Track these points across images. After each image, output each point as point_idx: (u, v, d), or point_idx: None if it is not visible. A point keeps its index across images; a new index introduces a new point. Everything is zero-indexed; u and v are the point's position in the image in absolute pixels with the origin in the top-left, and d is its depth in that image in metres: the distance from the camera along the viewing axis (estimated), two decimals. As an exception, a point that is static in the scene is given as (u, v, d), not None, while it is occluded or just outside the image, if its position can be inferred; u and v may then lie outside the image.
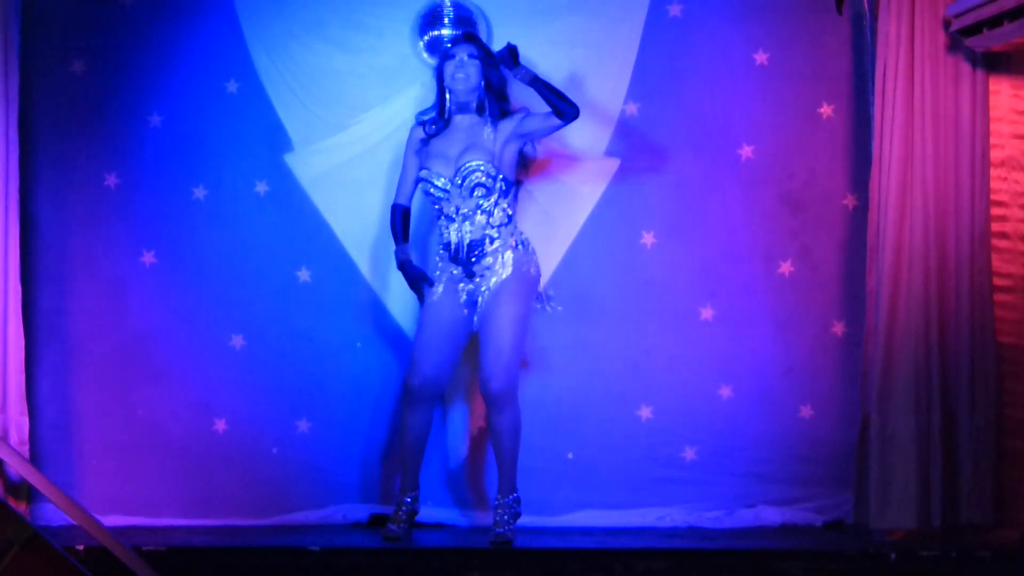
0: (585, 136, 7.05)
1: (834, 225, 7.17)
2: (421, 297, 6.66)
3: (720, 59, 7.16)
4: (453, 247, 6.58)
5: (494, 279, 6.53)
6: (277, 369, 7.11)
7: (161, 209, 7.11)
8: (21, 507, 6.71)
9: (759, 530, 7.02)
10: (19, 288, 6.77)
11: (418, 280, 6.64)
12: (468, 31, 6.78)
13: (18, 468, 6.37)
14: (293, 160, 7.12)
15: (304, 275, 7.15)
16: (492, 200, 6.54)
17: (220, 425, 7.10)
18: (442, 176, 6.58)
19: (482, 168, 6.51)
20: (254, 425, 7.09)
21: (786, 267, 7.18)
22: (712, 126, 7.15)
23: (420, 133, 6.68)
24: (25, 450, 6.73)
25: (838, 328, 7.17)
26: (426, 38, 7.03)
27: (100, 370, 7.06)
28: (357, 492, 7.10)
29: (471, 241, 6.55)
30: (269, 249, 7.12)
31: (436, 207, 6.64)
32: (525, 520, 6.75)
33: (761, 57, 7.17)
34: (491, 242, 6.54)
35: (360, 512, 7.08)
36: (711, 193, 7.16)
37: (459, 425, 7.15)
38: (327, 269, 7.12)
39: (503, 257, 6.54)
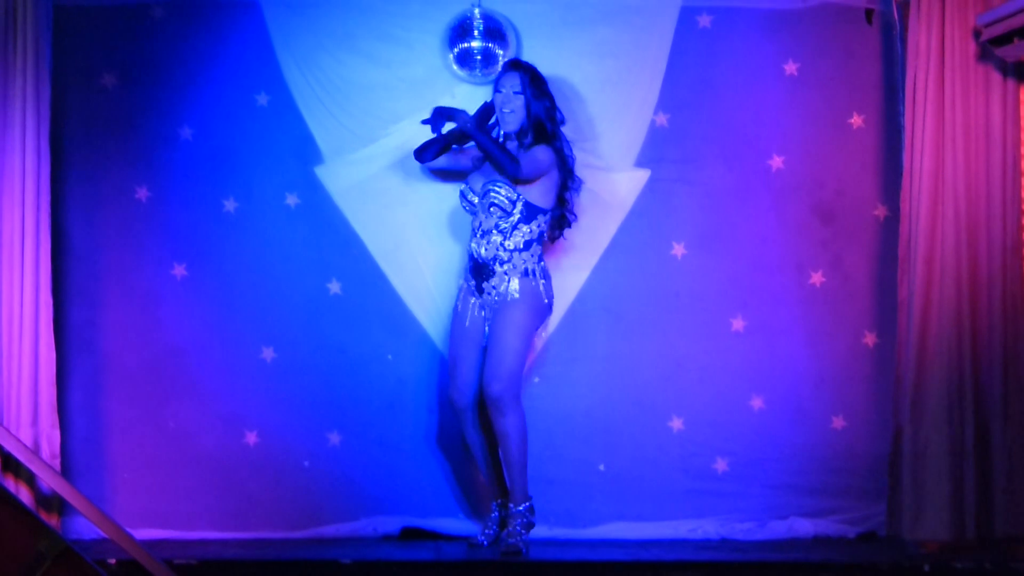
0: (615, 147, 7.07)
1: (865, 236, 7.15)
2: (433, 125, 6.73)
3: (750, 69, 7.16)
4: (469, 260, 6.67)
5: (499, 298, 6.60)
6: (308, 381, 7.12)
7: (192, 222, 7.13)
8: (53, 520, 6.71)
9: (792, 542, 7.00)
10: (51, 301, 6.80)
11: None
12: (513, 59, 6.81)
13: (50, 481, 6.39)
14: (323, 172, 7.14)
15: (335, 287, 7.16)
16: (510, 223, 6.59)
17: (251, 438, 7.11)
18: (474, 192, 6.67)
19: (502, 190, 6.56)
20: (285, 438, 7.10)
21: (817, 277, 7.16)
22: (742, 136, 7.15)
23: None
24: (57, 463, 6.75)
25: (870, 338, 7.16)
26: (456, 50, 7.05)
27: (131, 383, 7.08)
28: (388, 505, 7.10)
29: (484, 259, 6.62)
30: (300, 261, 7.13)
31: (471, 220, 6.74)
32: (556, 532, 6.83)
33: (791, 67, 7.17)
34: (501, 264, 6.60)
35: (391, 525, 7.08)
36: (742, 204, 7.16)
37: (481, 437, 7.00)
38: (358, 281, 7.13)
39: (510, 282, 6.60)
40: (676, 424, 7.15)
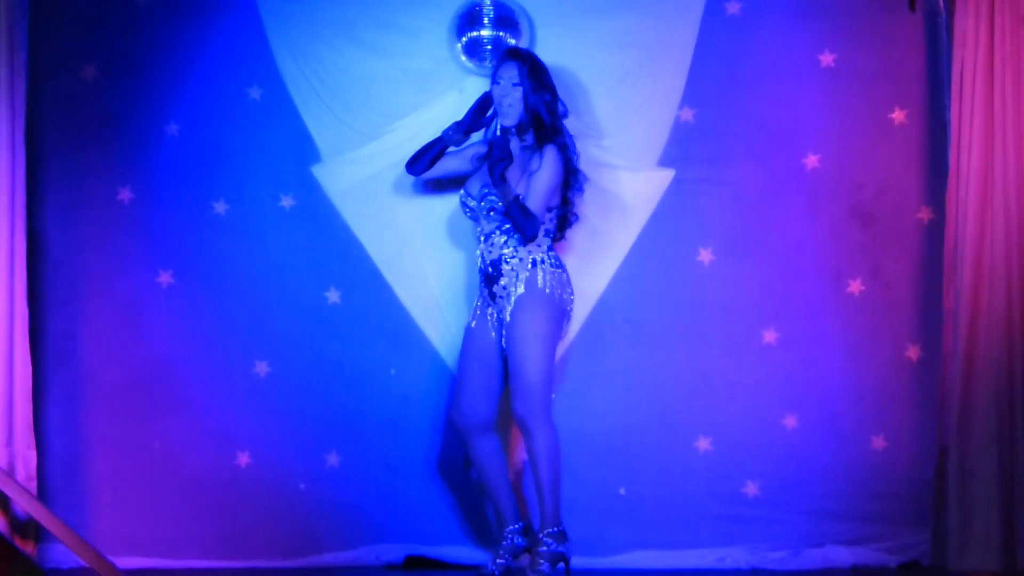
0: (636, 145, 6.98)
1: (908, 240, 7.06)
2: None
3: (783, 60, 7.07)
4: (480, 268, 6.65)
5: (512, 301, 6.51)
6: (304, 398, 7.04)
7: (179, 225, 7.06)
8: (28, 548, 6.65)
9: (828, 572, 6.86)
10: (26, 311, 6.74)
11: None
12: (511, 47, 6.77)
13: (25, 506, 6.35)
14: (321, 172, 7.05)
15: (333, 296, 7.06)
16: (510, 224, 6.54)
17: (243, 459, 7.01)
18: (472, 197, 6.65)
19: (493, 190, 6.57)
20: (280, 459, 7.02)
21: (856, 286, 7.04)
22: (775, 133, 7.06)
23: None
24: (33, 486, 6.69)
25: (913, 352, 7.03)
26: (464, 40, 6.95)
27: (113, 399, 7.00)
28: (391, 531, 7.01)
29: (491, 261, 6.58)
30: (295, 268, 7.05)
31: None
32: (573, 562, 6.67)
33: (827, 58, 7.06)
34: (507, 261, 6.54)
35: (394, 553, 6.98)
36: (774, 206, 7.06)
37: (501, 460, 7.06)
38: (358, 289, 7.05)
39: (519, 277, 6.52)
40: (703, 444, 7.02)
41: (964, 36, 6.73)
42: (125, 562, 6.66)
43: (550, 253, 6.53)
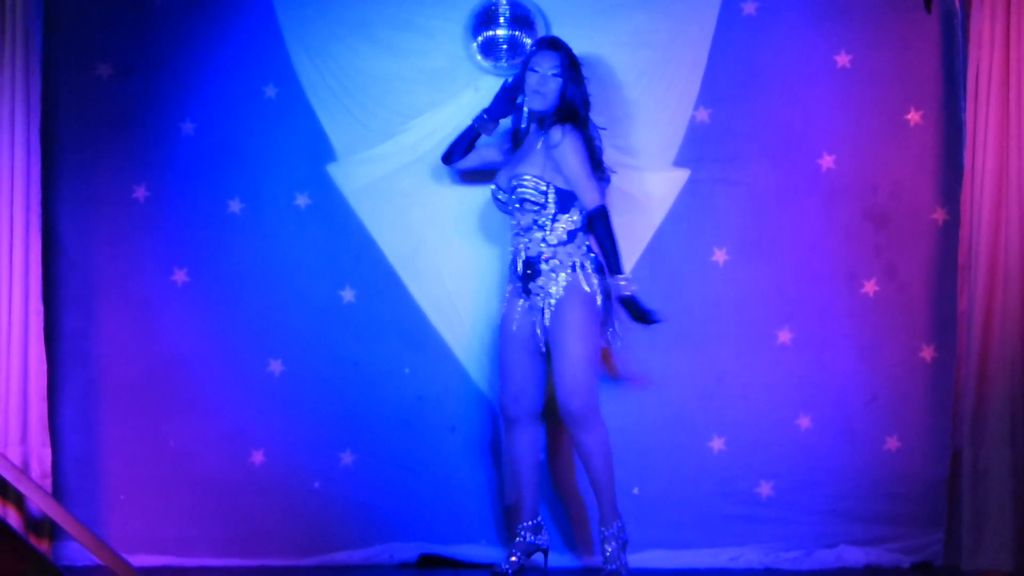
0: (652, 145, 6.96)
1: (922, 241, 7.04)
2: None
3: (798, 61, 7.05)
4: (512, 261, 6.60)
5: (552, 299, 6.47)
6: (319, 397, 7.02)
7: (194, 224, 7.05)
8: (43, 546, 6.63)
9: (841, 572, 6.84)
10: (41, 310, 6.73)
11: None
12: (551, 37, 6.68)
13: (40, 504, 6.37)
14: (336, 171, 7.04)
15: (348, 295, 7.04)
16: (547, 215, 6.50)
17: (257, 457, 7.00)
18: (502, 189, 6.60)
19: (529, 181, 6.49)
20: (294, 457, 7.00)
21: (870, 286, 7.02)
22: (790, 134, 7.04)
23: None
24: (47, 484, 6.68)
25: (927, 353, 7.01)
26: (480, 39, 6.93)
27: (128, 398, 6.99)
28: (405, 530, 6.99)
29: (527, 258, 6.53)
30: (310, 267, 7.04)
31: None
32: (587, 561, 6.77)
33: (843, 59, 7.03)
34: (546, 261, 6.49)
35: (408, 552, 6.97)
36: (789, 206, 7.04)
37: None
38: (373, 288, 7.04)
39: (557, 279, 6.47)
40: (717, 444, 7.00)
41: (980, 37, 6.70)
42: (139, 560, 6.66)
43: (590, 255, 6.51)
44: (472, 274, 6.95)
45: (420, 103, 6.98)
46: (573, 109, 6.51)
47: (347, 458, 6.97)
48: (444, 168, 6.90)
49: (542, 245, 6.46)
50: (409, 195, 6.98)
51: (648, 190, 6.94)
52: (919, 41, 7.01)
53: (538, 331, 6.50)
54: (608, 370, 6.86)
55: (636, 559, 6.81)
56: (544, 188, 6.45)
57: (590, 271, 6.48)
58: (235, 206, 7.00)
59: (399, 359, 7.01)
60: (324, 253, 7.00)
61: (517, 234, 6.53)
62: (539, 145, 6.55)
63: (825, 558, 6.88)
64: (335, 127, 6.99)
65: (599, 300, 6.48)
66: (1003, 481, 6.58)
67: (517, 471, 6.64)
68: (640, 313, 6.39)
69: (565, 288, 6.43)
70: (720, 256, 6.99)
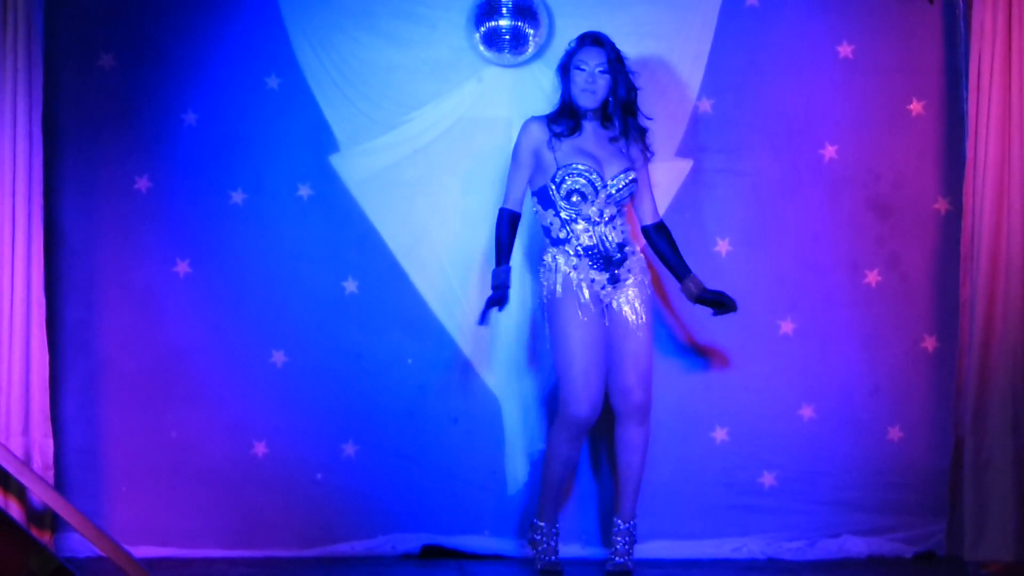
0: (655, 136, 6.81)
1: (925, 231, 7.06)
2: (482, 316, 6.51)
3: (801, 52, 7.06)
4: (601, 251, 6.48)
5: (632, 283, 6.49)
6: (321, 388, 7.01)
7: (196, 215, 7.02)
8: (45, 537, 6.60)
9: (844, 562, 6.87)
10: (43, 300, 6.69)
11: (499, 303, 6.48)
12: (594, 33, 6.60)
13: (42, 495, 6.33)
14: (339, 161, 7.03)
15: (351, 286, 7.03)
16: (625, 208, 6.57)
17: (260, 448, 6.99)
18: (595, 173, 6.44)
19: (634, 178, 6.50)
20: (296, 449, 6.99)
21: (873, 277, 7.04)
22: (793, 124, 7.05)
23: (539, 130, 6.52)
24: (49, 475, 6.65)
25: (929, 343, 7.05)
26: (483, 29, 6.92)
27: (130, 389, 6.97)
28: (408, 521, 7.00)
29: (617, 243, 6.49)
30: (313, 258, 7.03)
31: (569, 211, 6.45)
32: (590, 551, 6.84)
33: (845, 49, 7.04)
34: (630, 244, 6.54)
35: (411, 543, 6.99)
36: (791, 197, 7.06)
37: (518, 449, 7.01)
38: (375, 279, 7.03)
39: (639, 267, 6.53)
40: (719, 435, 7.02)
41: (982, 28, 6.67)
42: (141, 551, 6.64)
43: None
44: (474, 264, 6.93)
45: (423, 94, 6.97)
46: (629, 105, 6.51)
47: (349, 449, 6.96)
48: (447, 158, 6.92)
49: (625, 231, 6.48)
50: (412, 186, 6.98)
51: (652, 180, 6.81)
52: (921, 32, 7.01)
53: (606, 322, 6.44)
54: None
55: (639, 549, 6.79)
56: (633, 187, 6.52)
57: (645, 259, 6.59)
58: (237, 197, 6.98)
59: (401, 350, 7.00)
60: (327, 244, 6.99)
61: (603, 223, 6.41)
62: (608, 135, 6.50)
63: (828, 548, 6.90)
64: (338, 118, 6.97)
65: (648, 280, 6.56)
66: (1005, 471, 6.56)
67: (567, 476, 6.58)
68: (725, 302, 6.49)
69: (644, 274, 6.50)
70: (723, 246, 7.00)
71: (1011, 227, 6.64)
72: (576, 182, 6.39)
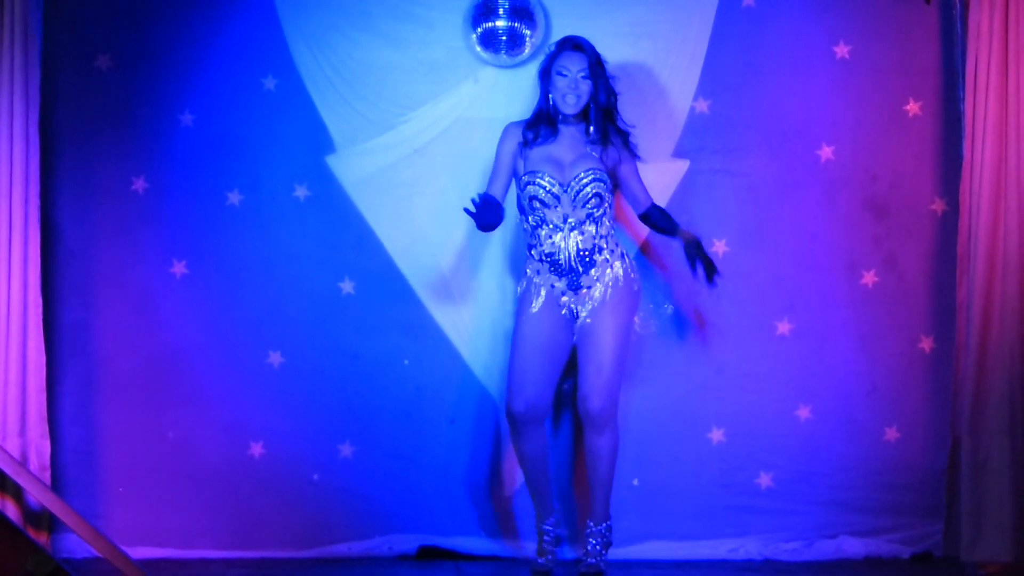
0: (651, 136, 6.90)
1: (922, 232, 7.05)
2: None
3: (798, 52, 7.04)
4: (560, 257, 6.47)
5: (599, 291, 6.46)
6: (318, 388, 7.01)
7: (193, 216, 7.02)
8: (42, 538, 6.61)
9: (841, 563, 6.87)
10: (40, 301, 6.68)
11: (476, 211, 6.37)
12: (574, 38, 6.60)
13: (39, 496, 6.34)
14: (335, 162, 7.02)
15: (347, 287, 7.02)
16: (601, 211, 6.48)
17: (256, 449, 6.98)
18: (556, 182, 6.46)
19: (599, 178, 6.46)
20: (293, 449, 6.99)
21: (870, 277, 7.03)
22: (789, 125, 7.04)
23: (516, 136, 6.57)
24: (46, 476, 6.66)
25: (926, 343, 7.03)
26: (479, 30, 6.90)
27: (127, 389, 6.97)
28: (405, 522, 7.00)
29: (580, 250, 6.46)
30: (309, 259, 7.02)
31: (534, 216, 6.48)
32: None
33: (842, 50, 7.03)
34: (599, 252, 6.46)
35: (408, 543, 6.98)
36: (788, 197, 7.04)
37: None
38: (372, 280, 7.02)
39: (612, 268, 6.47)
40: (716, 435, 7.00)
41: (979, 28, 6.66)
42: (138, 552, 6.62)
43: (624, 249, 6.58)
44: (471, 265, 6.95)
45: (419, 94, 6.96)
46: (609, 111, 6.52)
47: (346, 450, 6.95)
48: (443, 159, 6.90)
49: (596, 239, 6.43)
50: (408, 186, 6.96)
51: (647, 181, 6.79)
52: (918, 32, 7.00)
53: (576, 325, 6.46)
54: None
55: (635, 550, 6.88)
56: (607, 185, 6.46)
57: (630, 261, 6.52)
58: (234, 198, 6.97)
59: (398, 350, 6.99)
60: (323, 245, 6.98)
61: (566, 228, 6.42)
62: (589, 149, 6.51)
63: (825, 549, 6.89)
64: (334, 118, 6.96)
65: (637, 287, 6.51)
66: (1002, 471, 6.56)
67: (536, 471, 6.57)
68: (703, 257, 6.46)
69: (623, 277, 6.44)
70: (720, 247, 6.97)
71: (1008, 228, 6.62)
72: (536, 190, 6.43)
